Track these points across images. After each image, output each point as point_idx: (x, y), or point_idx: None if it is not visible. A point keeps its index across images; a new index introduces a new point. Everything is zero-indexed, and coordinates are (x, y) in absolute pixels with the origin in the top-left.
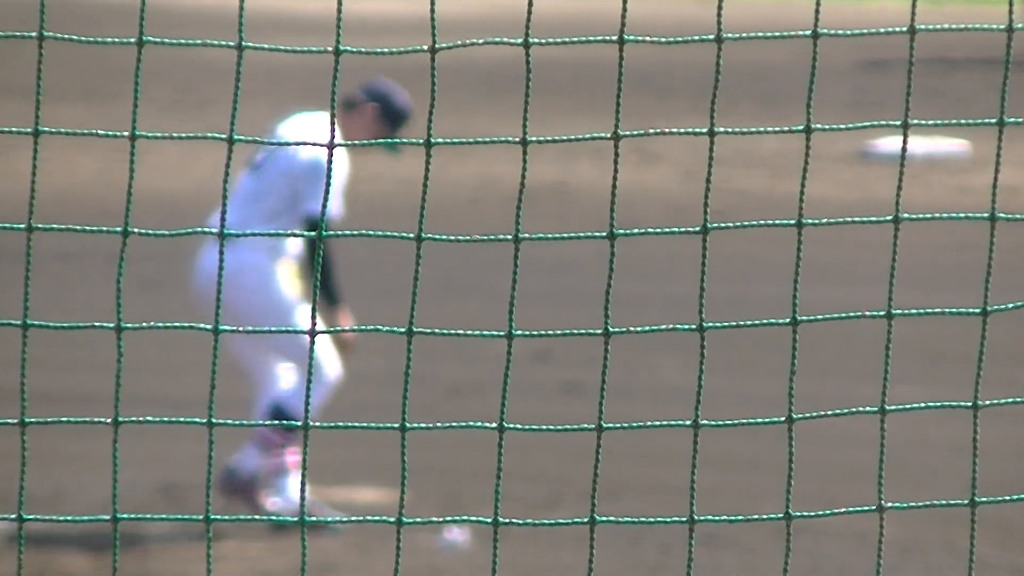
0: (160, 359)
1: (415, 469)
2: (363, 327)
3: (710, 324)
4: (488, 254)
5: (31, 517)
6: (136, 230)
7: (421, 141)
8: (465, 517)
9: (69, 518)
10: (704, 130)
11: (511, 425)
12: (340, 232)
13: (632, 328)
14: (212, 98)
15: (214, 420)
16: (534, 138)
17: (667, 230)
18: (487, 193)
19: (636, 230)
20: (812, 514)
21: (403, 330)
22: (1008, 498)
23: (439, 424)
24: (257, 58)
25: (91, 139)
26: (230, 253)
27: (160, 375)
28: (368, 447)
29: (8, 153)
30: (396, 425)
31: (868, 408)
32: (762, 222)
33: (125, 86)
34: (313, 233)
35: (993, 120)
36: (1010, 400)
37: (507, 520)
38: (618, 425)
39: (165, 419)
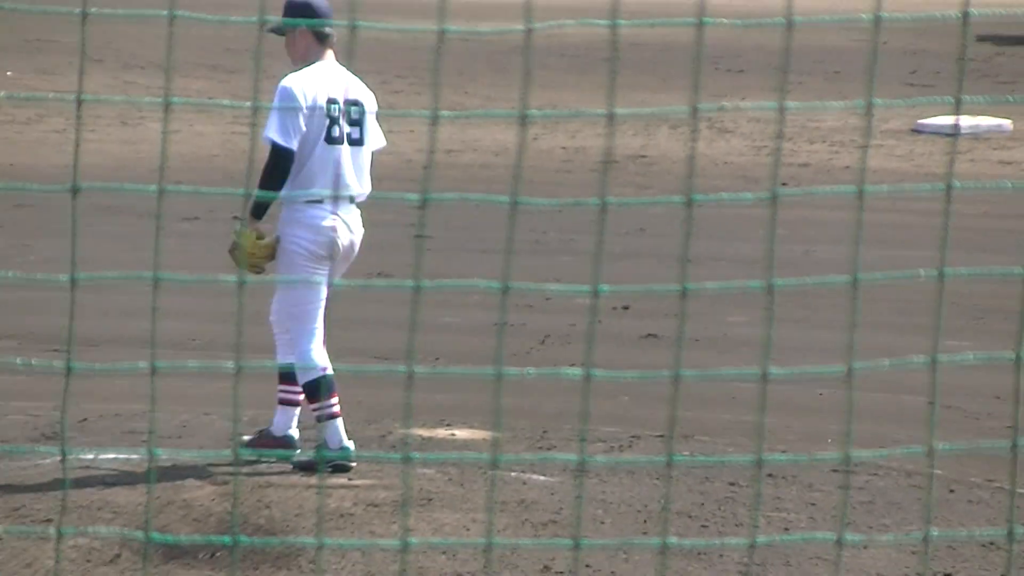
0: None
1: (508, 411)
2: (462, 282)
3: (778, 281)
4: (575, 217)
5: (161, 452)
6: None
7: (517, 114)
8: (553, 455)
9: (195, 453)
10: (774, 105)
11: (596, 372)
12: (446, 195)
13: (706, 284)
14: None
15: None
16: (620, 110)
17: (740, 196)
18: (575, 162)
19: (712, 196)
20: (868, 454)
21: (499, 285)
22: None
23: (530, 370)
24: (367, 37)
25: (215, 109)
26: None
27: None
28: (467, 391)
29: (141, 123)
30: (492, 371)
31: (921, 359)
32: (827, 189)
33: (245, 62)
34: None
35: None
36: None
37: (591, 457)
38: (693, 372)
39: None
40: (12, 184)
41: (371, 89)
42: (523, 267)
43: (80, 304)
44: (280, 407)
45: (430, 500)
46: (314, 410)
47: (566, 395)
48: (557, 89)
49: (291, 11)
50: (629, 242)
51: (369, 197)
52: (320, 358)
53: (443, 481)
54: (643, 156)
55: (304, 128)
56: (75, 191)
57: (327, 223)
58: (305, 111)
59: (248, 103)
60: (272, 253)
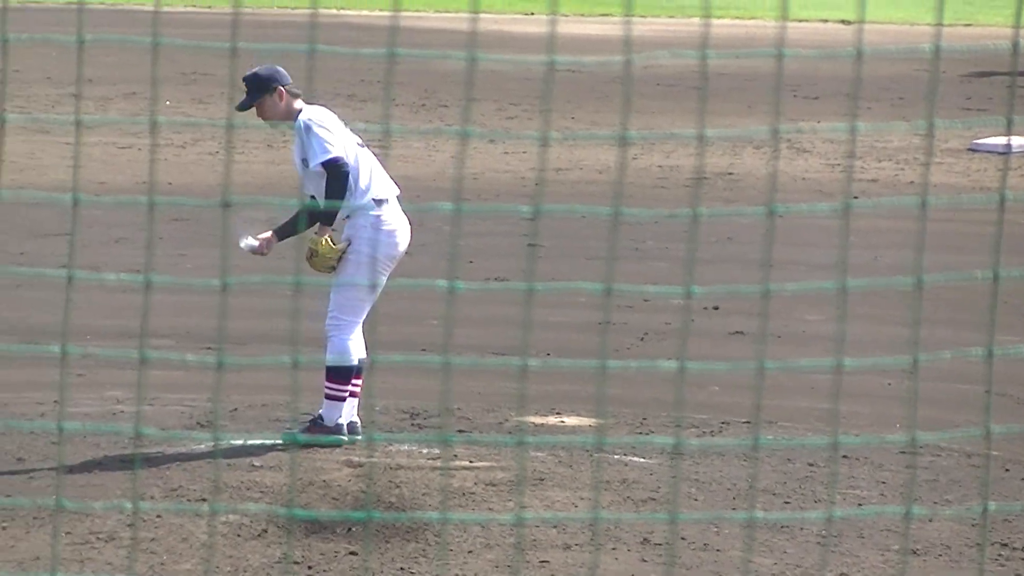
0: (410, 309)
1: (611, 400)
2: (570, 285)
3: (850, 283)
4: (670, 227)
5: (303, 440)
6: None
7: (617, 136)
8: (651, 439)
9: (333, 439)
10: (846, 128)
11: (689, 364)
12: (555, 207)
13: (786, 286)
14: (448, 101)
15: (451, 359)
16: (709, 132)
17: (816, 207)
18: (669, 179)
19: (791, 207)
20: (932, 436)
21: (602, 287)
22: None
23: (631, 363)
24: (484, 68)
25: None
26: None
27: (404, 323)
28: (574, 382)
29: (284, 145)
30: (597, 364)
31: (978, 351)
32: (893, 200)
33: (378, 91)
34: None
35: None
36: None
37: (686, 441)
38: (775, 364)
39: (410, 359)
40: (171, 199)
41: (485, 115)
42: (624, 272)
43: (230, 306)
44: (328, 401)
45: (542, 480)
46: (330, 389)
47: (663, 385)
48: (652, 114)
49: (259, 82)
50: (718, 249)
51: (487, 210)
52: (357, 350)
53: (553, 463)
54: (730, 173)
55: (342, 141)
56: (226, 205)
57: (400, 222)
58: (338, 128)
59: (378, 126)
60: (342, 254)
